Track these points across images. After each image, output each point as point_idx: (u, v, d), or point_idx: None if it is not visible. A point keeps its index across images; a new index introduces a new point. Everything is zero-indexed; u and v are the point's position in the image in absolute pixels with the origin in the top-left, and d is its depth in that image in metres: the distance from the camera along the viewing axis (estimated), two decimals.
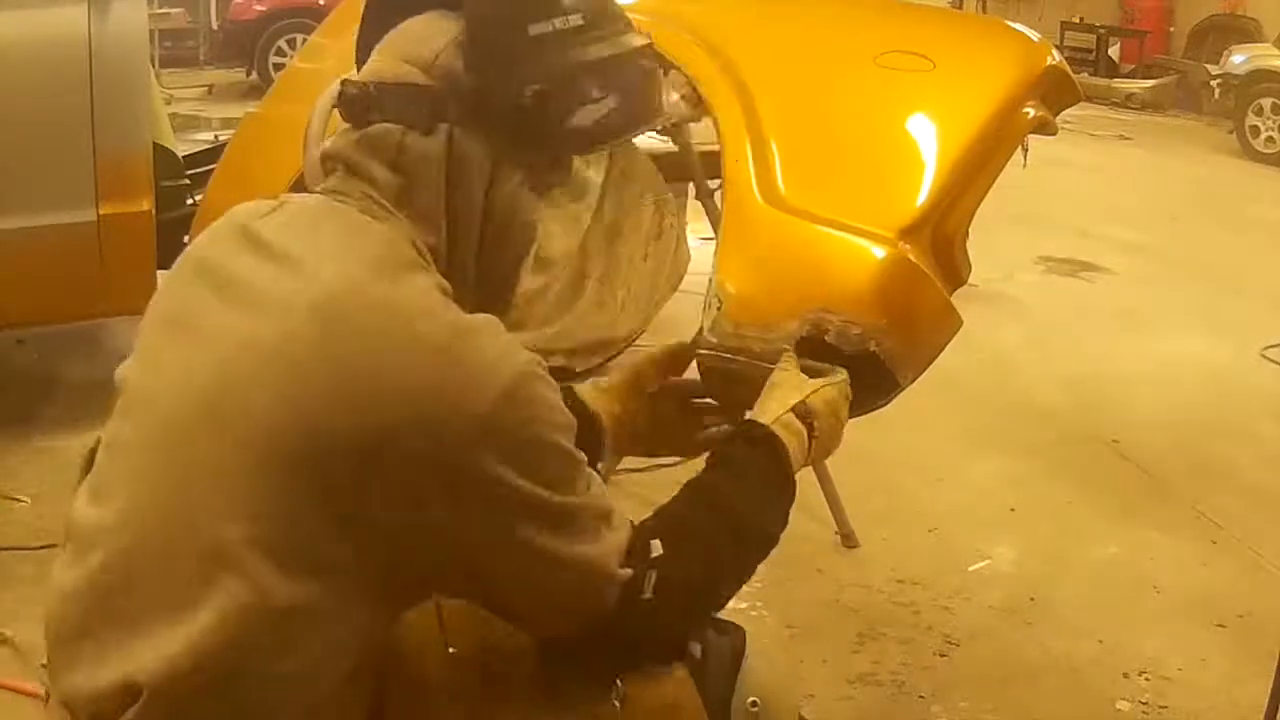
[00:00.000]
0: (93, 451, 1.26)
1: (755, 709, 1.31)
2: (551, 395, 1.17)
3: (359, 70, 1.32)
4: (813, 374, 1.53)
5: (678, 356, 1.69)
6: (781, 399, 1.47)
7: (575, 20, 1.26)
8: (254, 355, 1.12)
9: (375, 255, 1.17)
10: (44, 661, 1.21)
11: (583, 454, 1.20)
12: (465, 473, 1.11)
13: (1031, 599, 2.93)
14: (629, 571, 1.20)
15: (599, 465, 1.50)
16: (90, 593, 1.15)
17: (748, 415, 1.49)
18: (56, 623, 1.18)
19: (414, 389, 1.10)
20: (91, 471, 1.24)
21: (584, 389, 1.61)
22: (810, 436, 1.47)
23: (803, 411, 1.46)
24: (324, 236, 1.19)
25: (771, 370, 1.53)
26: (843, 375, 1.55)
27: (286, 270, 1.16)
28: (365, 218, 1.21)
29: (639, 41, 1.35)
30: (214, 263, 1.24)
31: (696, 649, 1.31)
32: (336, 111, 1.30)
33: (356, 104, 1.26)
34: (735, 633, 1.38)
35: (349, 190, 1.24)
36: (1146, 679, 2.63)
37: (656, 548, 1.23)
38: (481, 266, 1.28)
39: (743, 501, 1.37)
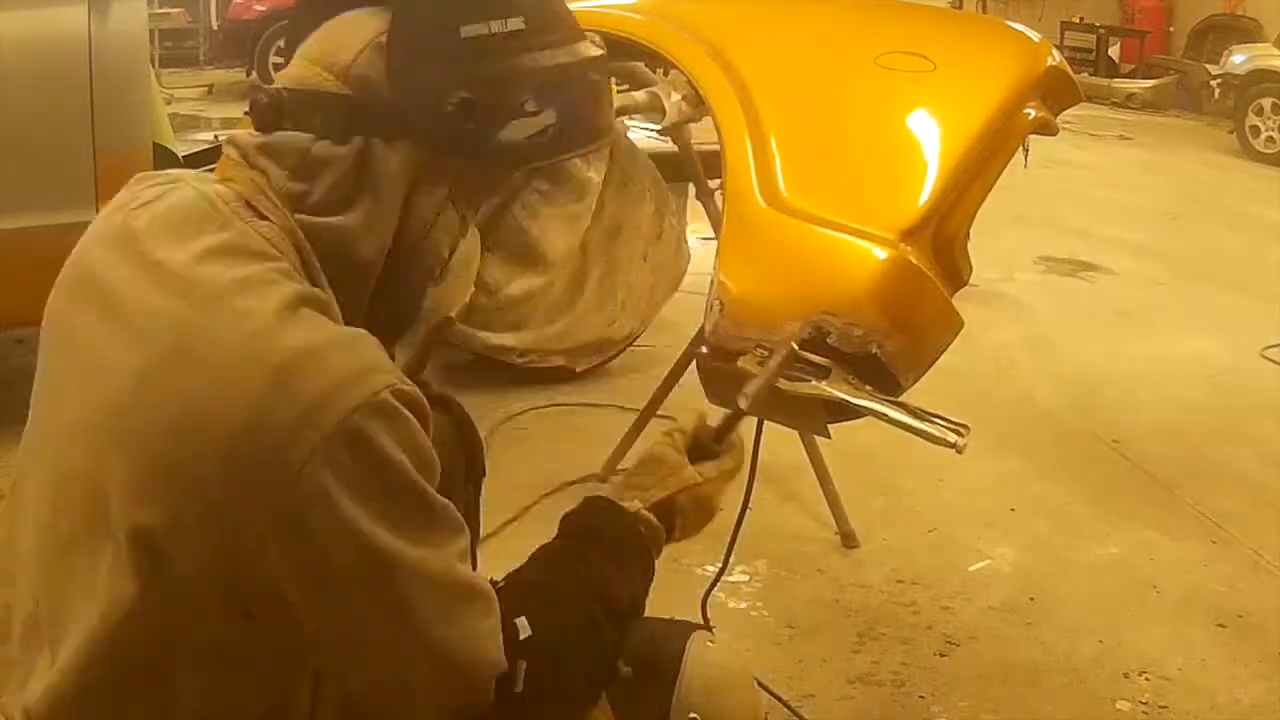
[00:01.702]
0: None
1: None
2: (410, 428, 1.04)
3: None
4: (701, 454, 1.43)
5: (690, 431, 1.50)
6: (647, 485, 1.37)
7: (515, 24, 1.15)
8: (119, 385, 1.07)
9: (237, 270, 1.07)
10: None
11: (449, 505, 1.09)
12: (300, 520, 1.00)
13: (1031, 599, 2.93)
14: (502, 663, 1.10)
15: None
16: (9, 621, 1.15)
17: (605, 489, 1.40)
18: None
19: (243, 420, 1.00)
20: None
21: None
22: (669, 536, 1.36)
23: (667, 508, 1.36)
24: (190, 243, 1.10)
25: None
26: (734, 458, 1.45)
27: (152, 284, 1.09)
28: (238, 220, 1.11)
29: (589, 52, 1.24)
30: (94, 271, 1.17)
31: (626, 670, 1.23)
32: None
33: (267, 113, 1.16)
34: (673, 641, 1.31)
35: (237, 177, 1.15)
36: (1146, 679, 2.63)
37: (524, 627, 1.13)
38: (382, 284, 1.18)
39: (611, 570, 1.25)
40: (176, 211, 1.14)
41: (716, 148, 1.87)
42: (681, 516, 1.38)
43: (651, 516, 1.34)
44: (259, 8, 10.97)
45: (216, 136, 6.78)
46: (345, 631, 1.06)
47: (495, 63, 1.14)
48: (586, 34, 1.26)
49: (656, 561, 1.34)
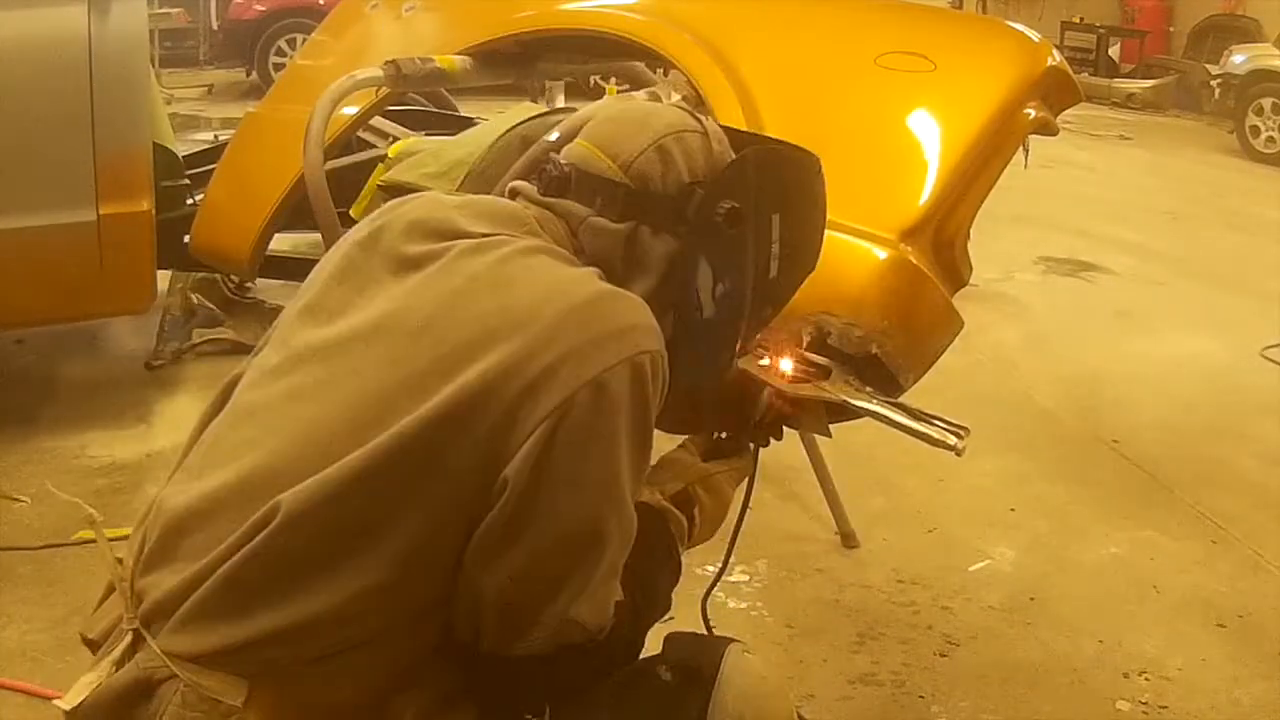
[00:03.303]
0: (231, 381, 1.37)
1: None
2: (659, 394, 1.24)
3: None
4: (713, 458, 1.58)
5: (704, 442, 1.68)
6: (664, 480, 1.51)
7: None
8: (434, 292, 1.25)
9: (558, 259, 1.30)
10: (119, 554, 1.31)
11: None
12: (588, 403, 1.18)
13: (1031, 599, 2.93)
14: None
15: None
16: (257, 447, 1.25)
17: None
18: (191, 490, 1.27)
19: (564, 311, 1.21)
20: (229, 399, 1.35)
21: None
22: (690, 525, 1.50)
23: (684, 499, 1.50)
24: (510, 227, 1.33)
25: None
26: (744, 460, 1.60)
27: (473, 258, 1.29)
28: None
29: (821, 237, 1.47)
30: (394, 243, 1.34)
31: (666, 674, 1.32)
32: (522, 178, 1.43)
33: (554, 183, 1.37)
34: (711, 650, 1.38)
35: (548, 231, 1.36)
36: (1146, 679, 2.63)
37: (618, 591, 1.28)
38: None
39: (643, 562, 1.36)
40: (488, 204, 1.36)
41: None
42: (699, 506, 1.50)
43: (671, 507, 1.47)
44: (259, 8, 10.98)
45: (216, 136, 6.78)
46: (536, 532, 1.20)
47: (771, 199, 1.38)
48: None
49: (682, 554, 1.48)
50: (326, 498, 1.18)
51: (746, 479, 1.65)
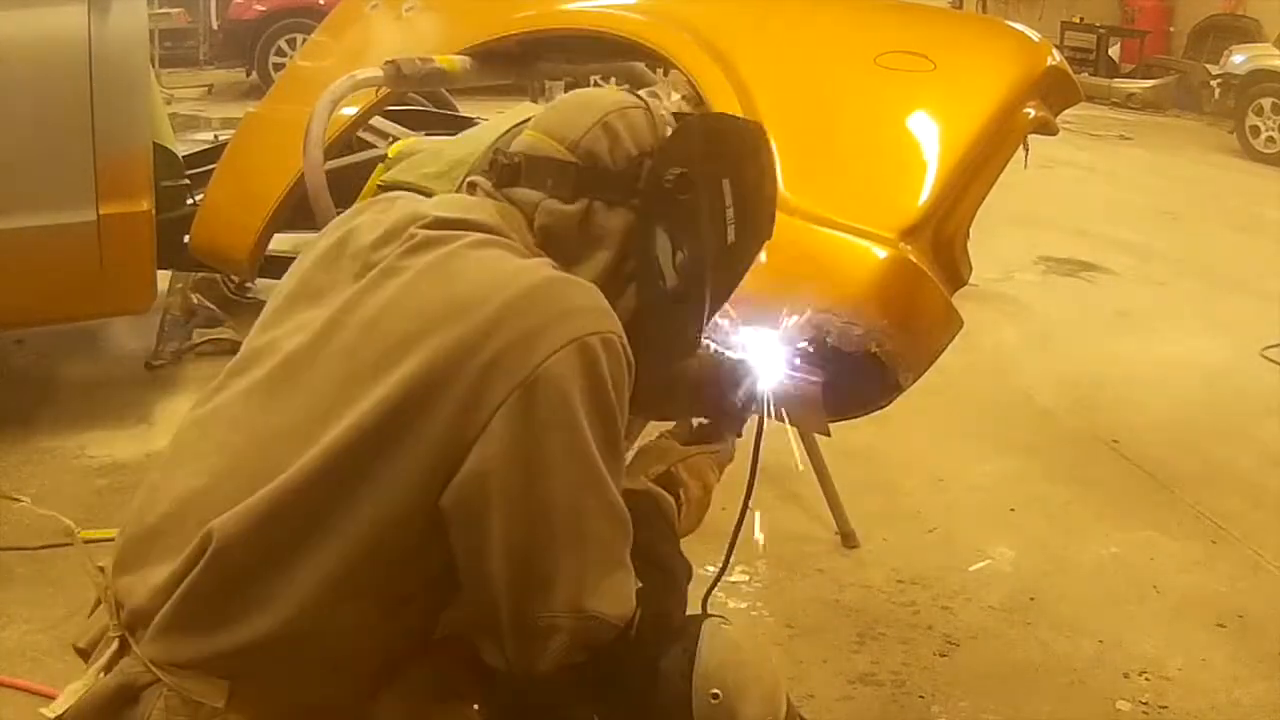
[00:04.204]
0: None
1: (717, 700, 1.29)
2: (625, 371, 1.24)
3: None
4: (693, 444, 1.58)
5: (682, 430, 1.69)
6: (646, 466, 1.52)
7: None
8: (387, 296, 1.26)
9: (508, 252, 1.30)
10: (100, 564, 1.33)
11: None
12: (539, 390, 1.18)
13: (1031, 599, 2.93)
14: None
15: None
16: (200, 472, 1.27)
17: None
18: (147, 512, 1.29)
19: (509, 301, 1.20)
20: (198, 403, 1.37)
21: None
22: (678, 505, 1.50)
23: (667, 480, 1.51)
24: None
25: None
26: (726, 446, 1.60)
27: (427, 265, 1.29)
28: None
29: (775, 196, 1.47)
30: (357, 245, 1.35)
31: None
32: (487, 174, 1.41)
33: (505, 172, 1.38)
34: (687, 625, 1.38)
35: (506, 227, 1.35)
36: (1146, 679, 2.63)
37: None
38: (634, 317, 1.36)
39: (643, 534, 1.36)
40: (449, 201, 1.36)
41: None
42: (684, 488, 1.51)
43: (657, 488, 1.48)
44: (259, 8, 10.97)
45: (216, 136, 6.78)
46: (514, 518, 1.19)
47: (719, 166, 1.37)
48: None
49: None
50: (259, 519, 1.19)
51: (748, 475, 1.65)
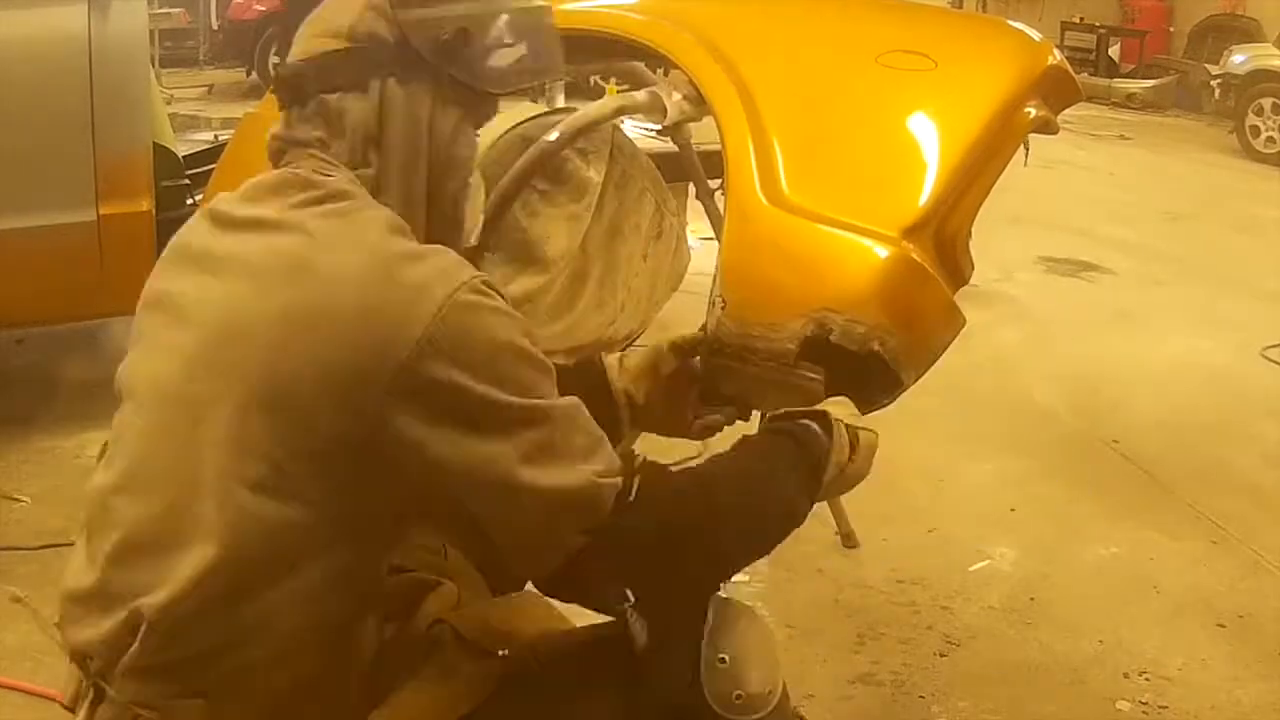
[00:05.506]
0: (107, 444, 1.36)
1: (724, 664, 1.32)
2: (497, 304, 1.21)
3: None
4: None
5: (693, 343, 1.72)
6: (843, 415, 1.50)
7: None
8: (229, 314, 1.20)
9: (328, 205, 1.24)
10: (56, 620, 1.31)
11: (550, 365, 1.23)
12: (421, 384, 1.15)
13: (1031, 599, 2.93)
14: (617, 483, 1.21)
15: (619, 442, 1.53)
16: (101, 550, 1.24)
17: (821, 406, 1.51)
18: (73, 578, 1.28)
19: (359, 313, 1.15)
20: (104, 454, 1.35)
21: (609, 362, 1.68)
22: (849, 460, 1.50)
23: (853, 436, 1.50)
24: (283, 197, 1.26)
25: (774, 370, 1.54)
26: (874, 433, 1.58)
27: (252, 233, 1.24)
28: (317, 175, 1.27)
29: (542, 3, 1.46)
30: (191, 247, 1.31)
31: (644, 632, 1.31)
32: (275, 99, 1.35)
33: (290, 85, 1.32)
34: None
35: (297, 158, 1.30)
36: (1146, 679, 2.63)
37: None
38: (431, 201, 1.34)
39: (772, 465, 1.39)
40: (264, 183, 1.29)
41: (717, 147, 1.87)
42: (857, 452, 1.51)
43: (844, 433, 1.48)
44: (259, 8, 10.96)
45: (216, 136, 6.78)
46: (484, 479, 1.17)
47: (479, 4, 1.36)
48: None
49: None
50: (188, 600, 1.17)
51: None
